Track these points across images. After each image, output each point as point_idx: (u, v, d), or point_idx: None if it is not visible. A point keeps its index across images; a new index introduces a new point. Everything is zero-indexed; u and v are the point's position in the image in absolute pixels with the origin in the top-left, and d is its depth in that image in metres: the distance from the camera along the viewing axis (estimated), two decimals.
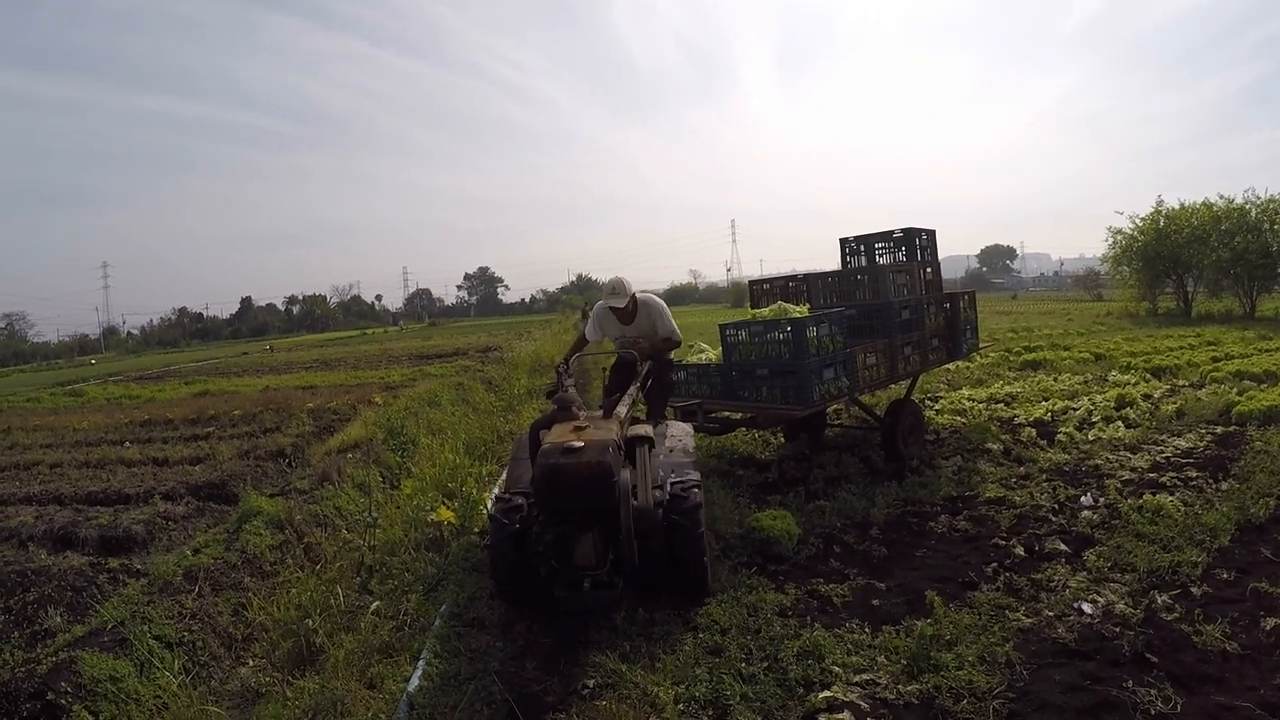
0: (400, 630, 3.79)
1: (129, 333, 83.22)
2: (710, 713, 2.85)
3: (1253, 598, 3.72)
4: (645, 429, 4.10)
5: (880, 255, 7.50)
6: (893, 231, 7.31)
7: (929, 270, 7.29)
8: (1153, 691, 2.97)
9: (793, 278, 7.57)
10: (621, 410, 4.36)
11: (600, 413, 4.29)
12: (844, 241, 7.74)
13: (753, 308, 7.28)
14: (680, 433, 4.82)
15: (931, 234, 7.43)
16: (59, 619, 4.26)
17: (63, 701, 3.32)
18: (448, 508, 4.97)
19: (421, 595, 4.12)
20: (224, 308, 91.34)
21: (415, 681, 3.21)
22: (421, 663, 3.36)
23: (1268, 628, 3.41)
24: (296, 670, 3.55)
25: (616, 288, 5.46)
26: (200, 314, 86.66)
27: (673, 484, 3.94)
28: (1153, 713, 2.85)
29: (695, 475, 4.20)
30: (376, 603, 4.02)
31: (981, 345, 8.40)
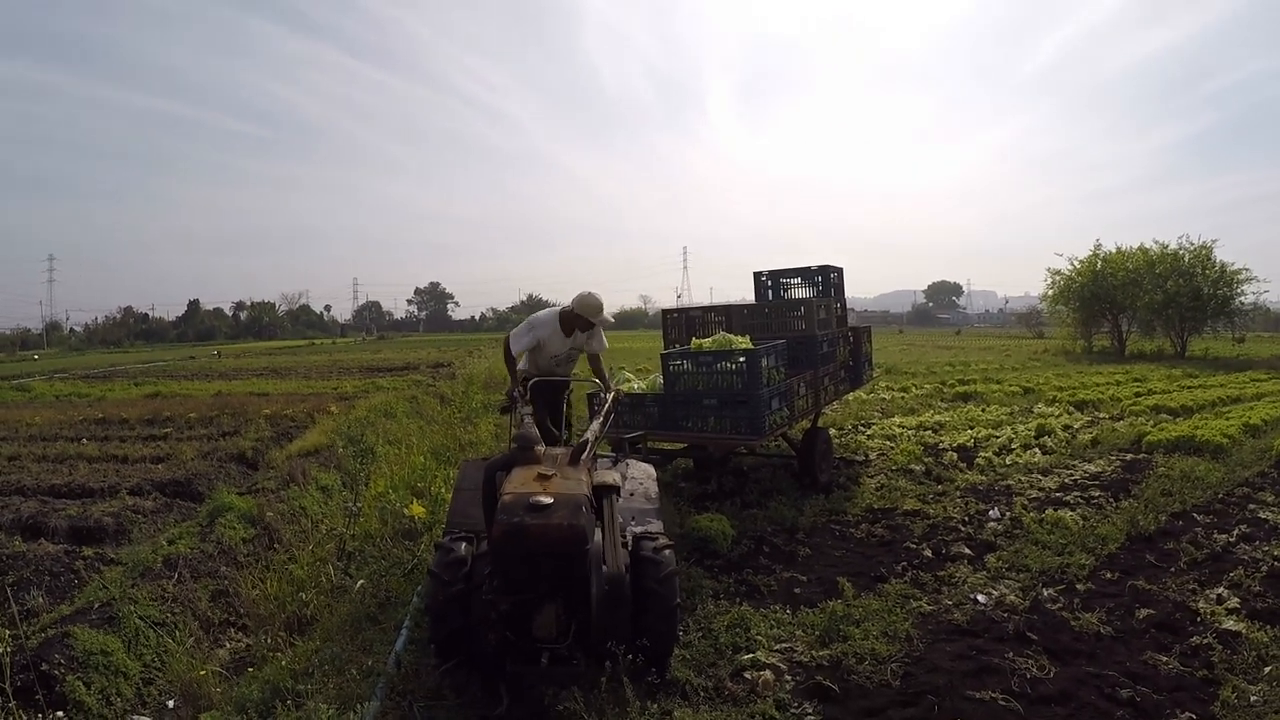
0: (384, 606, 4.18)
1: (72, 329, 79.62)
2: (652, 668, 3.29)
3: (1131, 593, 4.31)
4: (613, 476, 3.63)
5: (785, 290, 7.78)
6: (810, 267, 7.68)
7: (839, 305, 7.73)
8: (1030, 661, 3.53)
9: (711, 308, 7.60)
10: (586, 453, 3.72)
11: (561, 451, 3.73)
12: (758, 275, 8.02)
13: (665, 339, 7.61)
14: (641, 475, 4.28)
15: (840, 271, 7.83)
16: (41, 600, 4.46)
17: (56, 673, 3.51)
18: (419, 504, 5.34)
19: (400, 578, 4.50)
20: (170, 309, 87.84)
21: (401, 643, 3.62)
22: (405, 630, 3.76)
23: (1141, 616, 3.99)
24: (294, 636, 3.93)
25: (599, 306, 5.05)
26: (146, 314, 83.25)
27: (638, 538, 3.54)
28: (1028, 677, 3.39)
29: (661, 527, 3.85)
30: (362, 580, 4.40)
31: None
